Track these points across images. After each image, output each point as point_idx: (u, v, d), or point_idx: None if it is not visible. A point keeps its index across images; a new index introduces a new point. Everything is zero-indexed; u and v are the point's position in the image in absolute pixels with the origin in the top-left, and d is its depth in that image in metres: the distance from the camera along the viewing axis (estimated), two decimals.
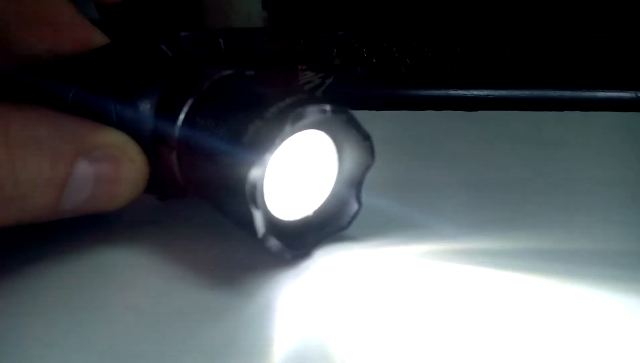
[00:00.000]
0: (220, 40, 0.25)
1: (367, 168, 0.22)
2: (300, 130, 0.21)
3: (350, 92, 0.38)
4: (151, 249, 0.23)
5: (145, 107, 0.22)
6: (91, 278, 0.21)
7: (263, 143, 0.19)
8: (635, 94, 0.38)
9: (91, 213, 0.22)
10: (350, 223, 0.23)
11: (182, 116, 0.22)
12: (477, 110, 0.36)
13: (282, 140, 0.20)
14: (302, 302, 0.20)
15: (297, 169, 0.22)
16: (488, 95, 0.37)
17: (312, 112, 0.20)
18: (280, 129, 0.19)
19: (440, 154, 0.31)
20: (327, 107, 0.20)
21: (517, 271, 0.21)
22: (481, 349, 0.18)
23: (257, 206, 0.20)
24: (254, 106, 0.20)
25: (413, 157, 0.31)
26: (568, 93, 0.39)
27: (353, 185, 0.23)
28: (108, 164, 0.21)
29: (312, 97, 0.20)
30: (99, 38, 0.25)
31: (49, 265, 0.22)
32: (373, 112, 0.26)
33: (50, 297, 0.20)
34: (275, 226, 0.21)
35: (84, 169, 0.20)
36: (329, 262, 0.22)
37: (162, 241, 0.23)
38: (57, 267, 0.22)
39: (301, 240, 0.22)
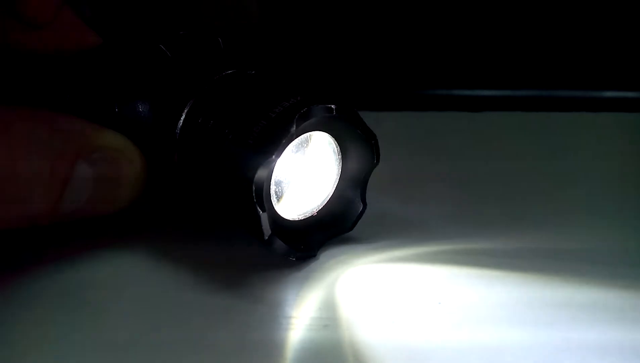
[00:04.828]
0: (219, 40, 0.24)
1: (371, 168, 0.22)
2: (306, 131, 0.21)
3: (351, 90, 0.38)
4: (153, 252, 0.22)
5: (145, 108, 0.22)
6: (94, 282, 0.21)
7: (269, 145, 0.19)
8: None
9: (91, 216, 0.21)
10: (355, 223, 0.23)
11: (183, 117, 0.21)
12: (481, 111, 0.36)
13: (289, 141, 0.19)
14: (309, 304, 0.20)
15: (301, 170, 0.22)
16: (492, 95, 0.37)
17: (318, 111, 0.20)
18: (286, 129, 0.19)
19: (445, 155, 0.31)
20: (333, 106, 0.20)
21: (521, 272, 0.21)
22: (488, 350, 0.18)
23: (263, 208, 0.19)
24: (258, 106, 0.20)
25: (417, 158, 0.30)
26: (574, 93, 0.39)
27: (357, 186, 0.22)
28: (107, 166, 0.21)
29: (317, 97, 0.20)
30: (94, 39, 0.25)
31: (48, 268, 0.22)
32: (376, 112, 0.26)
33: (50, 301, 0.20)
34: (280, 228, 0.21)
35: (84, 171, 0.20)
36: (334, 263, 0.22)
37: (163, 244, 0.23)
38: (57, 271, 0.21)
39: (306, 241, 0.22)
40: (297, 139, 0.21)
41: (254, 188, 0.19)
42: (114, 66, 0.23)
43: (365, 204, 0.22)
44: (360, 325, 0.19)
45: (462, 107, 0.37)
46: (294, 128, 0.19)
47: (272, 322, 0.19)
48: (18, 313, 0.19)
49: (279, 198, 0.21)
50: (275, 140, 0.19)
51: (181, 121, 0.21)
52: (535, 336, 0.18)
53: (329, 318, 0.19)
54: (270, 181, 0.20)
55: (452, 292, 0.20)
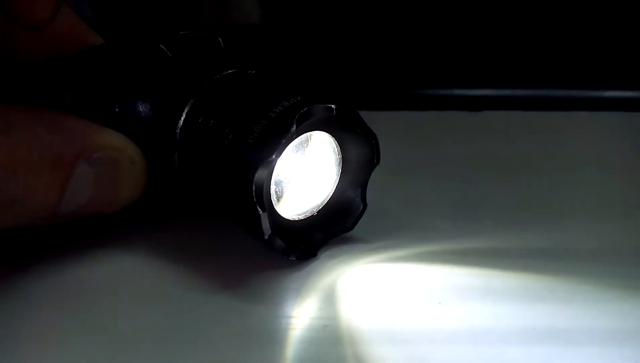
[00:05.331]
0: (219, 40, 0.24)
1: (371, 168, 0.22)
2: (306, 131, 0.21)
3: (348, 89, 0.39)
4: (152, 253, 0.22)
5: (145, 108, 0.22)
6: (94, 282, 0.21)
7: (269, 144, 0.19)
8: None
9: (91, 216, 0.21)
10: (355, 223, 0.23)
11: (183, 117, 0.21)
12: (481, 110, 0.36)
13: (288, 141, 0.19)
14: (309, 304, 0.20)
15: (301, 170, 0.22)
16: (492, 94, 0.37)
17: (318, 111, 0.20)
18: (286, 129, 0.19)
19: (445, 154, 0.31)
20: (333, 106, 0.20)
21: (521, 272, 0.21)
22: (488, 350, 0.18)
23: (263, 208, 0.19)
24: (258, 106, 0.20)
25: (417, 157, 0.30)
26: (574, 93, 0.39)
27: (357, 185, 0.22)
28: (108, 166, 0.21)
29: (317, 96, 0.20)
30: (95, 39, 0.25)
31: (48, 268, 0.22)
32: (376, 112, 0.26)
33: (50, 301, 0.20)
34: (281, 227, 0.21)
35: (85, 171, 0.20)
36: (334, 263, 0.22)
37: (163, 245, 0.23)
38: (57, 271, 0.21)
39: (306, 241, 0.22)
40: (297, 139, 0.21)
41: (254, 188, 0.19)
42: (114, 66, 0.23)
43: (365, 204, 0.23)
44: (360, 325, 0.19)
45: (461, 107, 0.37)
46: (294, 128, 0.19)
47: (272, 322, 0.19)
48: (18, 313, 0.19)
49: (279, 198, 0.21)
50: (275, 140, 0.19)
51: (181, 121, 0.21)
52: (535, 335, 0.18)
53: (329, 318, 0.19)
54: (270, 181, 0.20)
55: (452, 292, 0.20)
